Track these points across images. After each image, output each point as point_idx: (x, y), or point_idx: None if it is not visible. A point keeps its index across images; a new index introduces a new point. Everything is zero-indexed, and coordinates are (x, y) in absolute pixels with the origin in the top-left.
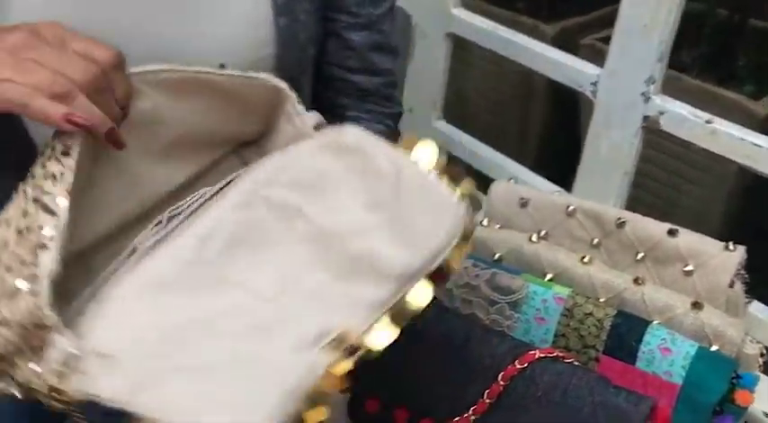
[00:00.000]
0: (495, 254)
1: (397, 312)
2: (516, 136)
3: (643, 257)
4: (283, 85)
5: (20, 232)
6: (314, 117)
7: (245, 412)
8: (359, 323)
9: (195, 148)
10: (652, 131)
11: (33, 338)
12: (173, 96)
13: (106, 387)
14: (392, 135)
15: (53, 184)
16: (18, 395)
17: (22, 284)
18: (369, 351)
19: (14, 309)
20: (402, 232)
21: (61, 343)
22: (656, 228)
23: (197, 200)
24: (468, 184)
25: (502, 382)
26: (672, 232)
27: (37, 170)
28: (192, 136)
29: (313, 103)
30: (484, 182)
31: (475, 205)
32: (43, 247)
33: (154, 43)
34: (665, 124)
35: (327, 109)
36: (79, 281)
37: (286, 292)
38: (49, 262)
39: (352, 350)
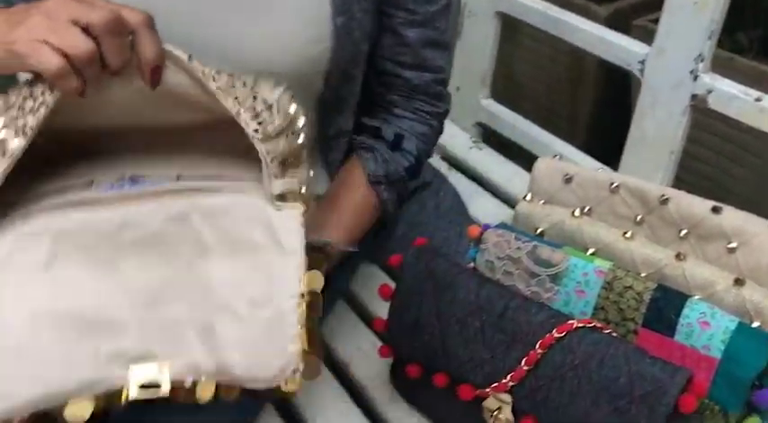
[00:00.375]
0: (537, 228)
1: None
2: (565, 117)
3: (686, 234)
4: (262, 149)
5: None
6: (281, 187)
7: None
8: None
9: (197, 123)
10: (700, 111)
11: None
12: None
13: None
14: (436, 134)
15: (29, 114)
16: None
17: None
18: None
19: None
20: (251, 342)
21: None
22: (699, 205)
23: (163, 181)
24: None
25: (540, 350)
26: (716, 210)
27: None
28: (198, 115)
29: (363, 94)
30: (530, 160)
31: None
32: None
33: (212, 39)
34: (714, 102)
35: (377, 103)
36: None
37: (147, 308)
38: None
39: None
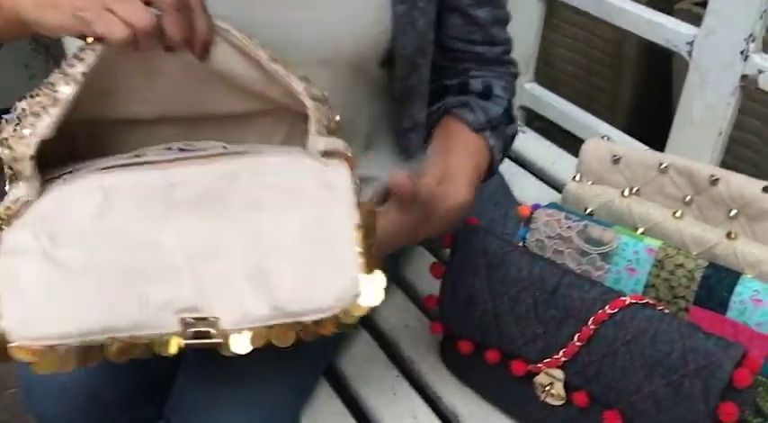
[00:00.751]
0: (586, 208)
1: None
2: (604, 101)
3: (736, 214)
4: (311, 105)
5: (50, 86)
6: (327, 144)
7: None
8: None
9: (237, 94)
10: (749, 92)
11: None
12: (238, 56)
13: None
14: (512, 92)
15: (78, 62)
16: None
17: (26, 131)
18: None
19: (17, 146)
20: (305, 275)
21: (23, 189)
22: (750, 185)
23: (208, 149)
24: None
25: (592, 326)
26: (767, 189)
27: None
28: (238, 86)
29: (432, 72)
30: (572, 143)
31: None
32: (47, 110)
33: (271, 26)
34: (764, 83)
35: (449, 74)
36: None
37: (199, 259)
38: (45, 126)
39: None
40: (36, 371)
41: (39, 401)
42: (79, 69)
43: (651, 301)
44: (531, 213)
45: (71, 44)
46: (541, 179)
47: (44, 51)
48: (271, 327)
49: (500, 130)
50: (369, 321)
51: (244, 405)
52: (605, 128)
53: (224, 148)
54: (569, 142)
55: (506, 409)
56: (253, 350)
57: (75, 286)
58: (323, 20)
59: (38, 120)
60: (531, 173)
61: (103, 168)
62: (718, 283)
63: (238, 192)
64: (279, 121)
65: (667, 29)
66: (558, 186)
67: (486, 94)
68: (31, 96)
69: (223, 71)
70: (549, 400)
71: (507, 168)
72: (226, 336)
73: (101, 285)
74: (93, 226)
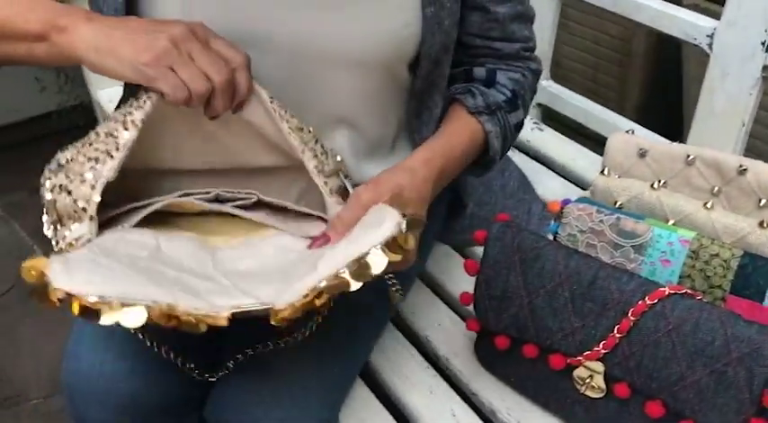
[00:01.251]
0: (615, 202)
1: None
2: (614, 98)
3: (766, 203)
4: (320, 181)
5: (106, 134)
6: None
7: None
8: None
9: (266, 149)
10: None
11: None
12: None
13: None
14: (530, 85)
15: (135, 110)
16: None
17: (89, 175)
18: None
19: (79, 189)
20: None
21: (84, 228)
22: None
23: (245, 197)
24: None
25: (632, 318)
26: None
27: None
28: (267, 142)
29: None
30: (590, 140)
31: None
32: (111, 155)
33: (302, 28)
34: None
35: (465, 65)
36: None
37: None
38: (109, 169)
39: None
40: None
41: (81, 407)
42: (138, 116)
43: (690, 291)
44: (562, 208)
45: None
46: (562, 176)
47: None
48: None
49: (499, 115)
50: (401, 321)
51: (283, 405)
52: (624, 123)
53: (256, 197)
54: (583, 140)
55: (545, 404)
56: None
57: (123, 272)
58: (354, 23)
59: (100, 164)
60: (552, 170)
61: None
62: (754, 271)
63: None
64: (299, 175)
65: (687, 22)
66: (579, 183)
67: (489, 81)
68: (84, 144)
69: (255, 125)
70: (589, 393)
71: (528, 165)
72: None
73: (149, 278)
74: (146, 257)
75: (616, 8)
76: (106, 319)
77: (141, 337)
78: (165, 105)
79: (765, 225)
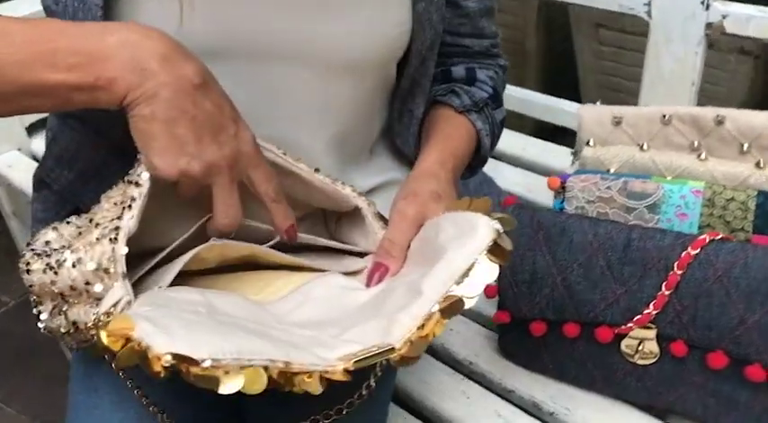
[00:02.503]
0: (608, 170)
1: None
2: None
3: (749, 148)
4: (363, 203)
5: (115, 203)
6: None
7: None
8: None
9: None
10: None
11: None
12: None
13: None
14: (501, 82)
15: (141, 170)
16: (62, 329)
17: (104, 233)
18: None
19: (92, 252)
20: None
21: (120, 289)
22: (756, 117)
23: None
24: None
25: (678, 272)
26: None
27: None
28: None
29: None
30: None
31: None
32: (129, 206)
33: (297, 31)
34: (730, 27)
35: (438, 67)
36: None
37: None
38: (129, 218)
39: None
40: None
41: None
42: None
43: (726, 236)
44: (563, 183)
45: None
46: (518, 166)
47: None
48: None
49: (486, 112)
50: None
51: None
52: (567, 105)
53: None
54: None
55: (590, 384)
56: None
57: (216, 325)
58: (354, 23)
59: (117, 220)
60: (504, 162)
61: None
62: None
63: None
64: (314, 223)
65: None
66: (537, 170)
67: (470, 79)
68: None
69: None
70: (641, 361)
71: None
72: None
73: (250, 332)
74: (207, 314)
75: None
76: (227, 388)
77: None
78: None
79: (762, 165)
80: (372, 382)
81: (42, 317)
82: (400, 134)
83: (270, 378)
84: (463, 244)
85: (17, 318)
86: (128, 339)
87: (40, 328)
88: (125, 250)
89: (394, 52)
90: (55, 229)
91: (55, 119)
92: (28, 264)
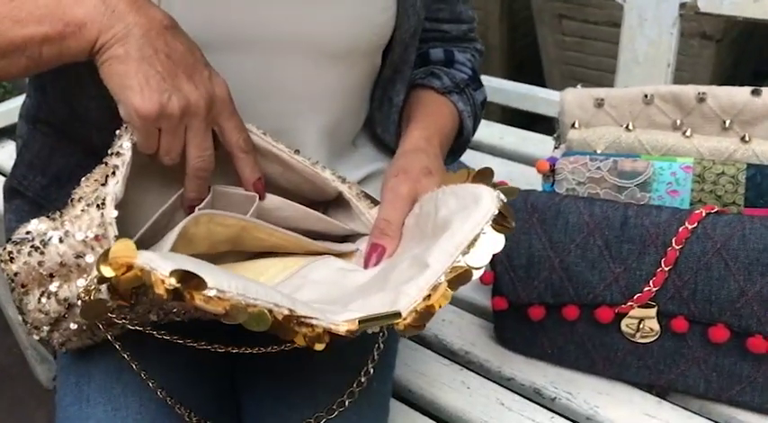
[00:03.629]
0: (595, 150)
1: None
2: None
3: (731, 123)
4: (343, 187)
5: (96, 180)
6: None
7: None
8: None
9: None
10: (687, 18)
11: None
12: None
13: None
14: (478, 65)
15: (121, 142)
16: (52, 315)
17: (88, 202)
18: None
19: (79, 223)
20: None
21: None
22: (738, 93)
23: None
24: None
25: (677, 247)
26: (755, 92)
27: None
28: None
29: None
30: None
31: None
32: (112, 173)
33: (284, 19)
34: (705, 6)
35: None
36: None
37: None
38: (114, 184)
39: None
40: None
41: None
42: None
43: (721, 209)
44: (552, 166)
45: None
46: (496, 155)
47: None
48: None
49: (468, 93)
50: None
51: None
52: (541, 91)
53: None
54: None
55: (590, 366)
56: None
57: (222, 271)
58: (340, 10)
59: (102, 187)
60: (483, 152)
61: None
62: (764, 180)
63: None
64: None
65: None
66: (517, 159)
67: (449, 61)
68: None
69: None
70: (641, 340)
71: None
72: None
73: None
74: None
75: None
76: (230, 319)
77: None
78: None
79: (747, 139)
80: (371, 369)
81: (29, 307)
82: (381, 123)
83: (274, 322)
84: (468, 215)
85: None
86: (129, 267)
87: (26, 341)
88: (115, 213)
89: (380, 39)
90: (34, 220)
91: (24, 125)
92: (10, 253)
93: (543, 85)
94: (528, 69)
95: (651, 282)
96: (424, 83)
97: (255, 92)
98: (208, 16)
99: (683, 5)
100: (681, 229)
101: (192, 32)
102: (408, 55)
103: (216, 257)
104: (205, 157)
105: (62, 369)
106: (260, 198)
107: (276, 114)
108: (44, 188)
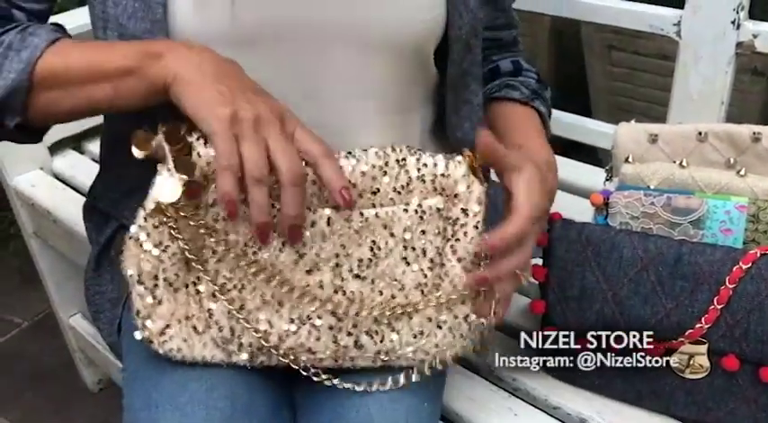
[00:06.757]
0: (648, 185)
1: None
2: None
3: None
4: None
5: None
6: None
7: None
8: None
9: None
10: (744, 57)
11: None
12: None
13: None
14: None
15: None
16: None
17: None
18: None
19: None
20: None
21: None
22: None
23: None
24: None
25: (730, 286)
26: None
27: None
28: None
29: None
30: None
31: None
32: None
33: (330, 12)
34: (761, 45)
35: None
36: None
37: None
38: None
39: None
40: None
41: None
42: None
43: None
44: (606, 200)
45: None
46: None
47: None
48: None
49: (543, 96)
50: None
51: None
52: (591, 123)
53: None
54: None
55: (637, 399)
56: None
57: None
58: (382, 5)
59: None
60: None
61: None
62: None
63: None
64: None
65: (652, 16)
66: (563, 188)
67: (517, 70)
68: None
69: None
70: (691, 376)
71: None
72: None
73: None
74: None
75: (574, 13)
76: None
77: None
78: None
79: None
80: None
81: (154, 252)
82: (460, 126)
83: None
84: None
85: (30, 339)
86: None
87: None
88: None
89: (429, 34)
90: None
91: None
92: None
93: (589, 115)
94: (574, 98)
95: (703, 319)
96: (502, 95)
97: (310, 83)
98: (266, 11)
99: (739, 44)
100: (735, 269)
101: (249, 28)
102: (474, 56)
103: None
104: (296, 162)
105: (130, 375)
106: (346, 206)
107: (329, 107)
108: (115, 202)
